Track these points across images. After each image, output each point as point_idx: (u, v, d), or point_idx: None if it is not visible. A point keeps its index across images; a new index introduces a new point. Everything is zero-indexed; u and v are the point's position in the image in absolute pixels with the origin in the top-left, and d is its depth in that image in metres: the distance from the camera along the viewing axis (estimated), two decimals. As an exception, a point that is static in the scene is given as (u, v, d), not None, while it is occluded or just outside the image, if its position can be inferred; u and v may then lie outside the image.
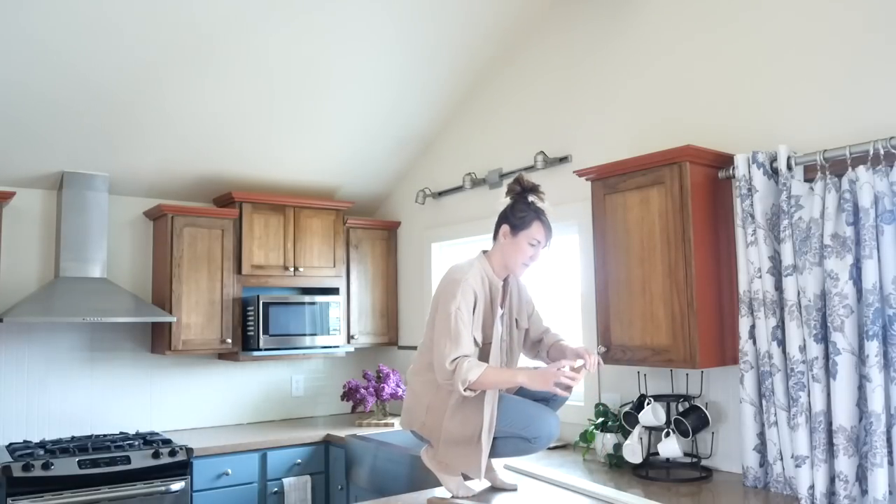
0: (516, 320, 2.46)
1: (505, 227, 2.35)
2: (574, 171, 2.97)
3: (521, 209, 2.35)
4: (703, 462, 2.68)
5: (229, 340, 3.94)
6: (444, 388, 2.25)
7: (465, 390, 2.12)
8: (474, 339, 2.24)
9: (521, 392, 2.35)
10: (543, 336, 2.53)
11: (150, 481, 3.31)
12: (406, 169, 4.53)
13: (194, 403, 4.13)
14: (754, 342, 2.44)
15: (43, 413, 3.69)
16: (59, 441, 3.54)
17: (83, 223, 3.70)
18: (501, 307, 2.40)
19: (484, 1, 3.40)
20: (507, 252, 2.34)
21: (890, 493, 2.09)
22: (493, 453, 2.29)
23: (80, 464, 3.18)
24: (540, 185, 2.41)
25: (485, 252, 2.43)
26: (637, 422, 2.69)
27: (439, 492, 2.42)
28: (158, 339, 3.86)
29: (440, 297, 2.29)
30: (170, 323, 3.75)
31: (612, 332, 2.72)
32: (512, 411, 2.26)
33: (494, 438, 2.25)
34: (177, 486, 3.37)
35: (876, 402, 2.08)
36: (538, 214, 2.36)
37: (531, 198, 2.37)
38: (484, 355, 2.30)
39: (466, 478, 2.42)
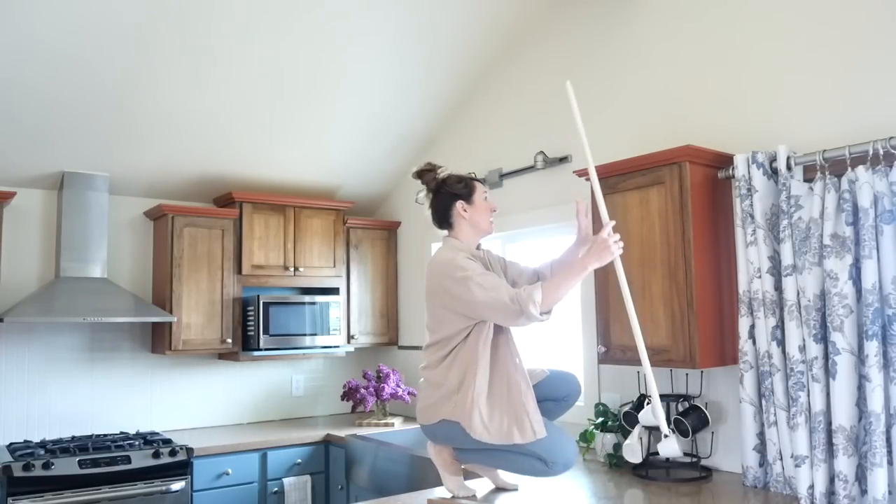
0: None
1: (458, 203, 2.38)
2: (574, 171, 2.98)
3: (452, 181, 2.41)
4: (703, 462, 2.68)
5: (229, 340, 3.94)
6: (473, 360, 2.22)
7: (541, 315, 2.10)
8: None
9: (542, 391, 2.34)
10: (540, 271, 2.52)
11: (151, 481, 3.32)
12: (406, 169, 4.53)
13: (194, 403, 4.13)
14: (754, 342, 2.44)
15: (43, 413, 3.70)
16: (59, 441, 3.54)
17: (83, 223, 3.70)
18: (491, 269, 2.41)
19: (484, 1, 3.40)
20: (475, 219, 2.38)
21: (889, 492, 2.09)
22: (507, 465, 2.28)
23: (81, 463, 3.18)
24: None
25: (448, 236, 2.42)
26: (637, 422, 2.69)
27: (439, 492, 2.43)
28: (158, 339, 3.86)
29: (439, 279, 2.28)
30: (170, 323, 3.75)
31: (612, 332, 2.73)
32: None
33: (509, 452, 2.21)
34: (177, 485, 3.37)
35: (875, 402, 2.08)
36: (462, 175, 2.44)
37: (442, 171, 2.45)
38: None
39: (467, 478, 2.43)
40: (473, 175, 2.48)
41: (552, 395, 2.38)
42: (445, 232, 2.44)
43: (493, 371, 2.25)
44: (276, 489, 3.72)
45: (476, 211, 2.38)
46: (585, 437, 2.93)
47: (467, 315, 2.23)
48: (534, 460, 2.20)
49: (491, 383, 2.23)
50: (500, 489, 2.44)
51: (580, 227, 2.42)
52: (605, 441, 2.88)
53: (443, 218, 2.42)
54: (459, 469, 2.39)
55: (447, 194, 2.40)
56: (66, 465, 3.16)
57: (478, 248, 2.43)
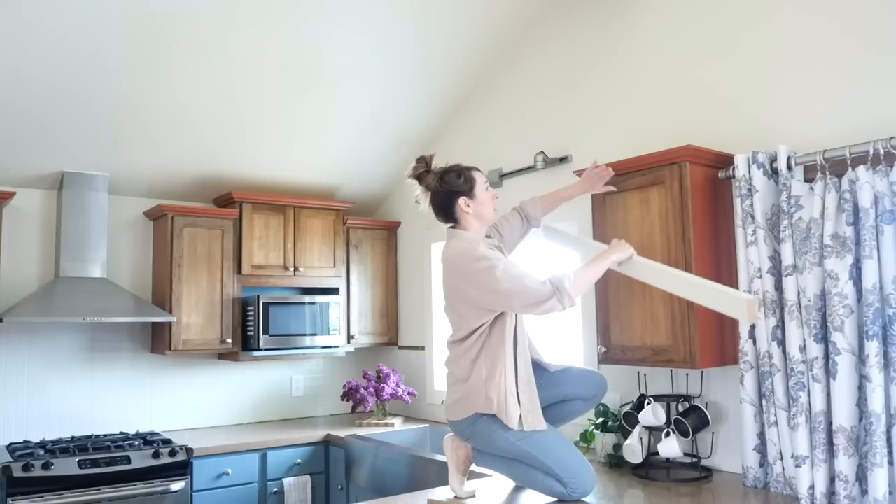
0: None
1: (461, 200, 2.33)
2: (574, 171, 2.97)
3: (452, 178, 2.36)
4: (703, 462, 2.68)
5: (229, 340, 3.94)
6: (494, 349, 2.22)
7: (575, 297, 2.14)
8: None
9: (572, 390, 2.37)
10: (521, 206, 2.64)
11: (150, 481, 3.31)
12: (406, 169, 4.52)
13: (194, 403, 4.13)
14: (754, 342, 2.44)
15: (43, 413, 3.69)
16: (59, 441, 3.54)
17: (83, 223, 3.70)
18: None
19: (485, 1, 3.40)
20: (480, 211, 2.35)
21: (890, 492, 2.09)
22: (525, 480, 2.26)
23: (80, 464, 3.18)
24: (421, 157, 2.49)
25: (453, 227, 2.39)
26: (637, 422, 2.69)
27: (438, 492, 2.42)
28: (158, 339, 3.86)
29: (462, 273, 2.24)
30: (170, 323, 3.75)
31: (612, 333, 2.72)
32: (557, 449, 2.21)
33: (531, 467, 2.21)
34: (177, 486, 3.37)
35: (876, 402, 2.08)
36: (461, 167, 2.40)
37: (436, 166, 2.42)
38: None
39: (470, 477, 2.42)
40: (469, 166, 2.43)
41: (581, 395, 2.39)
42: (450, 224, 2.40)
43: (518, 361, 2.25)
44: (276, 489, 3.71)
45: (479, 203, 2.35)
46: (585, 437, 2.93)
47: (490, 307, 2.21)
48: (553, 481, 2.19)
49: (518, 373, 2.23)
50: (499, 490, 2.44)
51: (586, 181, 2.62)
52: (605, 441, 2.88)
53: (447, 214, 2.38)
54: (468, 470, 2.38)
55: (448, 192, 2.35)
56: (66, 466, 3.15)
57: (486, 236, 2.42)
